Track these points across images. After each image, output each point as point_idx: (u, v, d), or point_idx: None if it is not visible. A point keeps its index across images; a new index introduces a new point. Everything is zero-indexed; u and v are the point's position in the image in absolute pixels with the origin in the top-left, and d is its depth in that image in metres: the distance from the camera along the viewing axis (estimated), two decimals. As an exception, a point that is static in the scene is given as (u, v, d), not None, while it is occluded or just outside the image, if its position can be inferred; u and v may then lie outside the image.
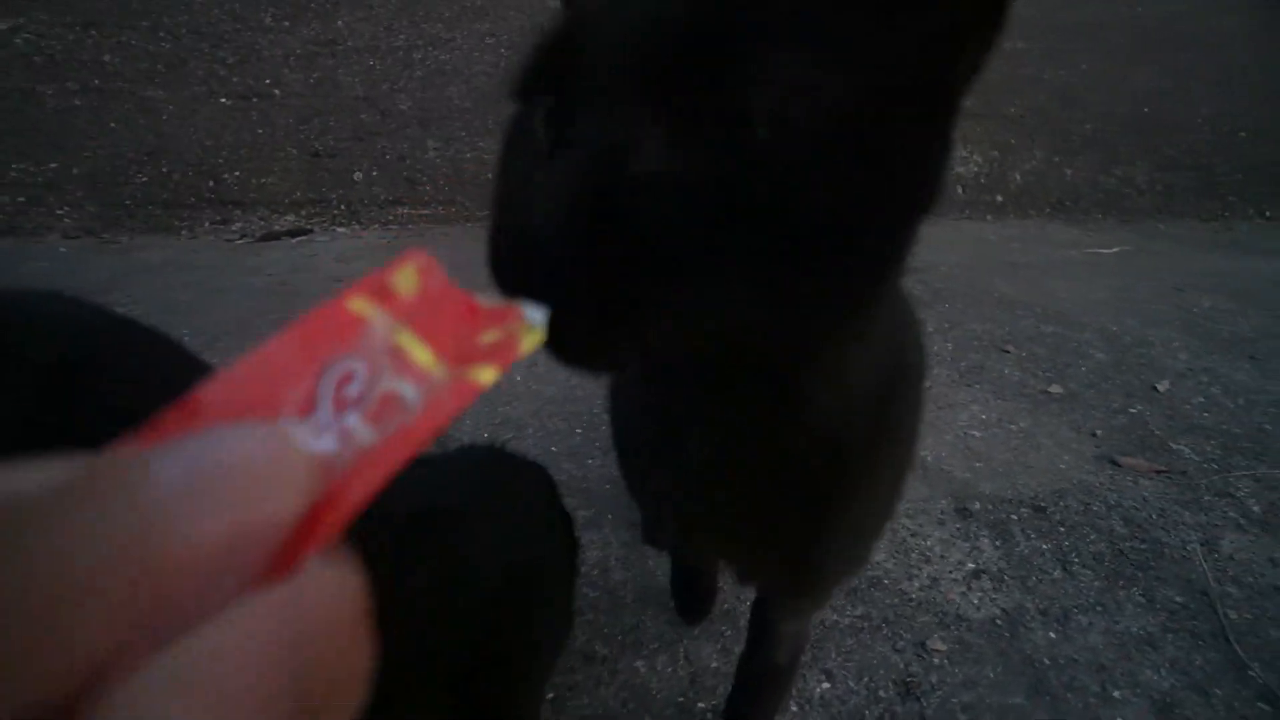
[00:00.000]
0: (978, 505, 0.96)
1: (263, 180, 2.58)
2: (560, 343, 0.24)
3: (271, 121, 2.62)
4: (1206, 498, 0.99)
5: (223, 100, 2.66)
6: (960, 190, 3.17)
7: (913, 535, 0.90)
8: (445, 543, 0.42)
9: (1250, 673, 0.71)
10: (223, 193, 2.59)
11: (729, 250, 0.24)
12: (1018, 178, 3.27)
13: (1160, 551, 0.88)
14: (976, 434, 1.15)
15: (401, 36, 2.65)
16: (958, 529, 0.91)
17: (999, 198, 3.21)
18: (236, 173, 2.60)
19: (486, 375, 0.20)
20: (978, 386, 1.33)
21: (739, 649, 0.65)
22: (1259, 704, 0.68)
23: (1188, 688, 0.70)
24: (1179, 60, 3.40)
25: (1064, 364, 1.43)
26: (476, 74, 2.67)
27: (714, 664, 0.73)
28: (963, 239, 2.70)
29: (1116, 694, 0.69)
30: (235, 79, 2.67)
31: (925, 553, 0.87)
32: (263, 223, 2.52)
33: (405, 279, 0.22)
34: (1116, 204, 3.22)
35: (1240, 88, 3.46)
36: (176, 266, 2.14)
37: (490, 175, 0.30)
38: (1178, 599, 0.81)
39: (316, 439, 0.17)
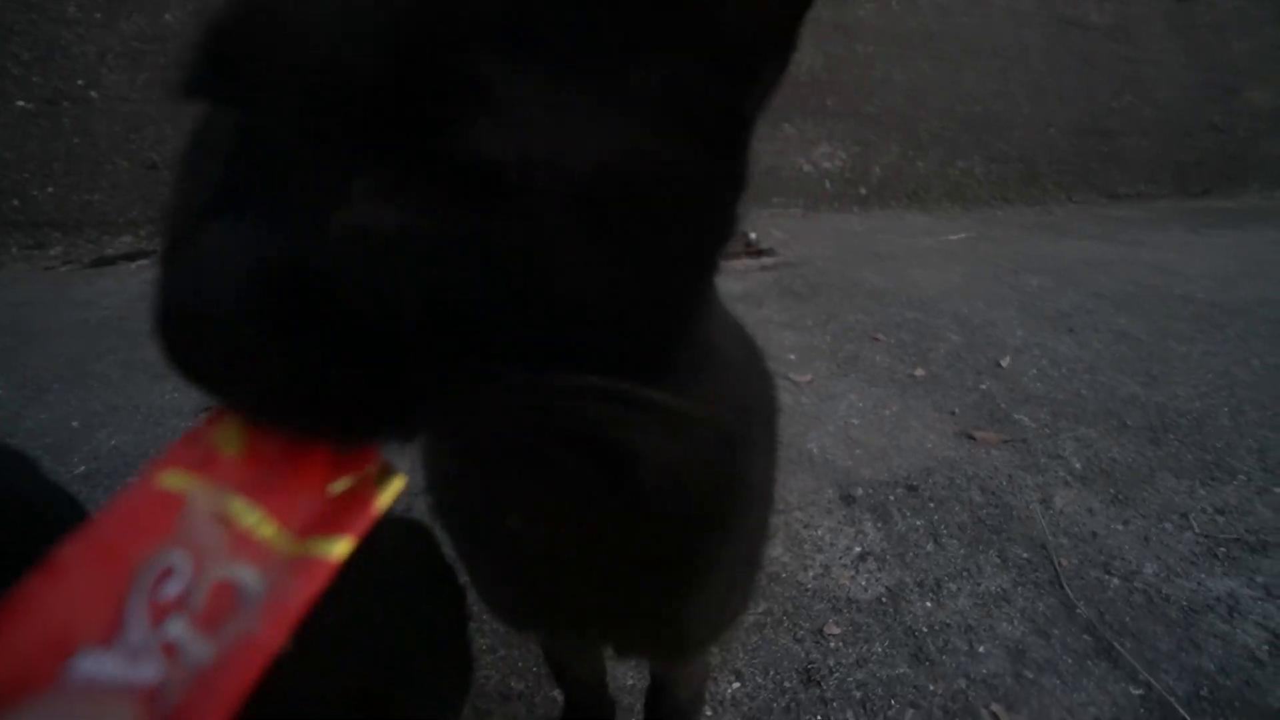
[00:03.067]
0: (860, 491, 1.05)
1: (87, 197, 2.25)
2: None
3: (90, 129, 2.28)
4: (1042, 460, 1.15)
5: (20, 103, 2.28)
6: (828, 185, 3.41)
7: (805, 527, 0.97)
8: (303, 642, 0.38)
9: (1078, 610, 0.84)
10: (33, 212, 2.23)
11: (473, 327, 0.19)
12: (877, 171, 3.58)
13: (1010, 514, 1.01)
14: (855, 422, 1.25)
15: (246, 33, 2.40)
16: (844, 515, 0.99)
17: (862, 190, 3.49)
18: (50, 189, 2.24)
19: (338, 547, 0.18)
20: (854, 375, 1.44)
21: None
22: (1084, 636, 0.80)
23: (1033, 633, 0.81)
24: (993, 66, 3.87)
25: (925, 348, 1.59)
26: (339, 75, 2.48)
27: (630, 681, 0.74)
28: (833, 231, 2.91)
29: (981, 649, 0.78)
30: (35, 78, 2.30)
31: (817, 542, 0.94)
32: (91, 246, 2.20)
33: (227, 434, 0.19)
34: (960, 193, 3.62)
35: (1045, 91, 4.00)
36: (-22, 304, 1.82)
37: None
38: (1024, 555, 0.93)
39: (131, 667, 0.14)
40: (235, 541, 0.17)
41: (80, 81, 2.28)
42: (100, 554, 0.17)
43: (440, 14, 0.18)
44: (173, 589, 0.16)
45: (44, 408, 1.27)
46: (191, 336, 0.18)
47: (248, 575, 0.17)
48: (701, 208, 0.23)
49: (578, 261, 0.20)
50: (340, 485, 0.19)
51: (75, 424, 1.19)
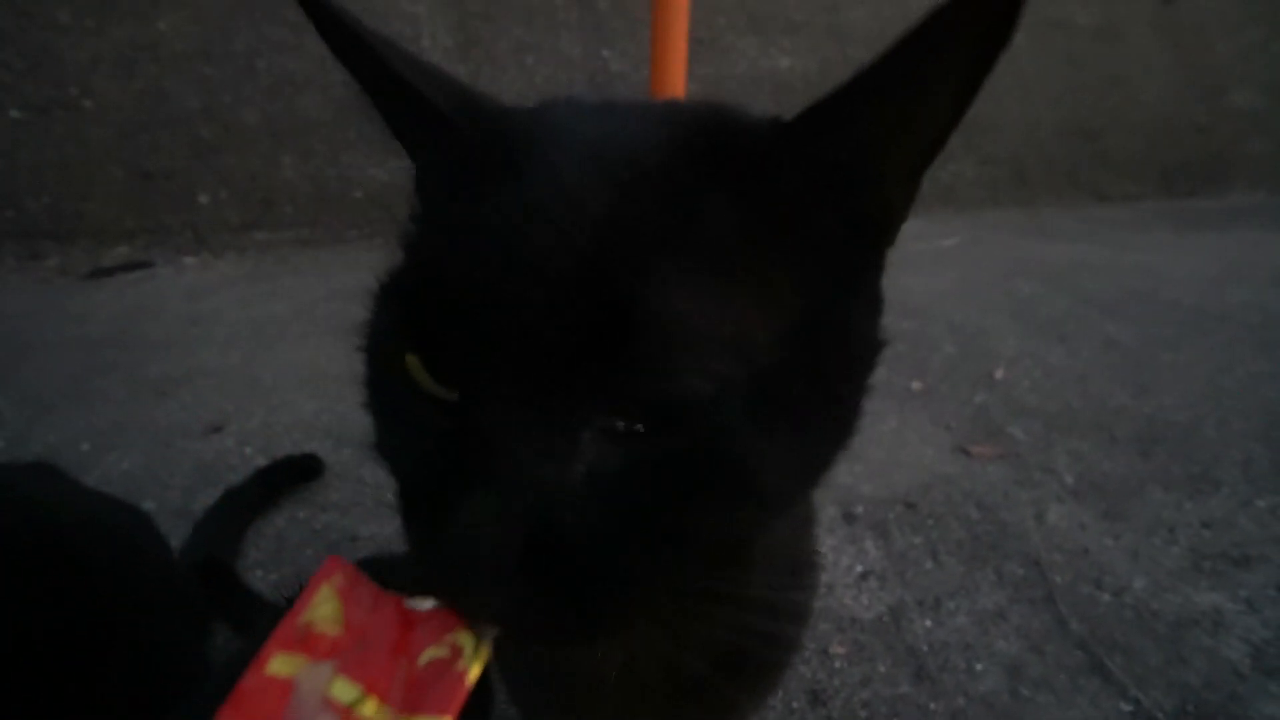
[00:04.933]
0: (860, 509, 1.08)
1: (81, 206, 2.23)
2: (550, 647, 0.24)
3: (84, 137, 2.26)
4: (1036, 475, 1.19)
5: (12, 112, 2.26)
6: (824, 188, 3.43)
7: (809, 545, 0.99)
8: None
9: (1070, 627, 0.87)
10: (27, 222, 2.21)
11: (688, 522, 0.22)
12: (871, 174, 3.59)
13: (1005, 530, 1.04)
14: (855, 437, 1.28)
15: (240, 41, 2.38)
16: (845, 534, 1.02)
17: (857, 193, 3.51)
18: (44, 198, 2.22)
19: None
20: (853, 388, 1.47)
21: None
22: (1076, 652, 0.84)
23: (1028, 650, 0.84)
24: (989, 67, 3.91)
25: (921, 359, 1.63)
26: (331, 83, 2.47)
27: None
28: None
29: (979, 667, 0.82)
30: (27, 86, 2.27)
31: (820, 562, 0.97)
32: (87, 256, 2.19)
33: (324, 609, 0.21)
34: (952, 196, 3.65)
35: (1033, 92, 4.04)
36: (-26, 318, 1.80)
37: (363, 345, 0.27)
38: (1019, 571, 0.96)
39: None
40: None
41: (73, 89, 2.26)
42: None
43: (611, 260, 0.21)
44: None
45: (50, 428, 1.27)
46: (465, 596, 0.21)
47: None
48: (849, 342, 0.26)
49: (766, 445, 0.22)
50: (430, 654, 0.21)
51: (85, 446, 1.20)
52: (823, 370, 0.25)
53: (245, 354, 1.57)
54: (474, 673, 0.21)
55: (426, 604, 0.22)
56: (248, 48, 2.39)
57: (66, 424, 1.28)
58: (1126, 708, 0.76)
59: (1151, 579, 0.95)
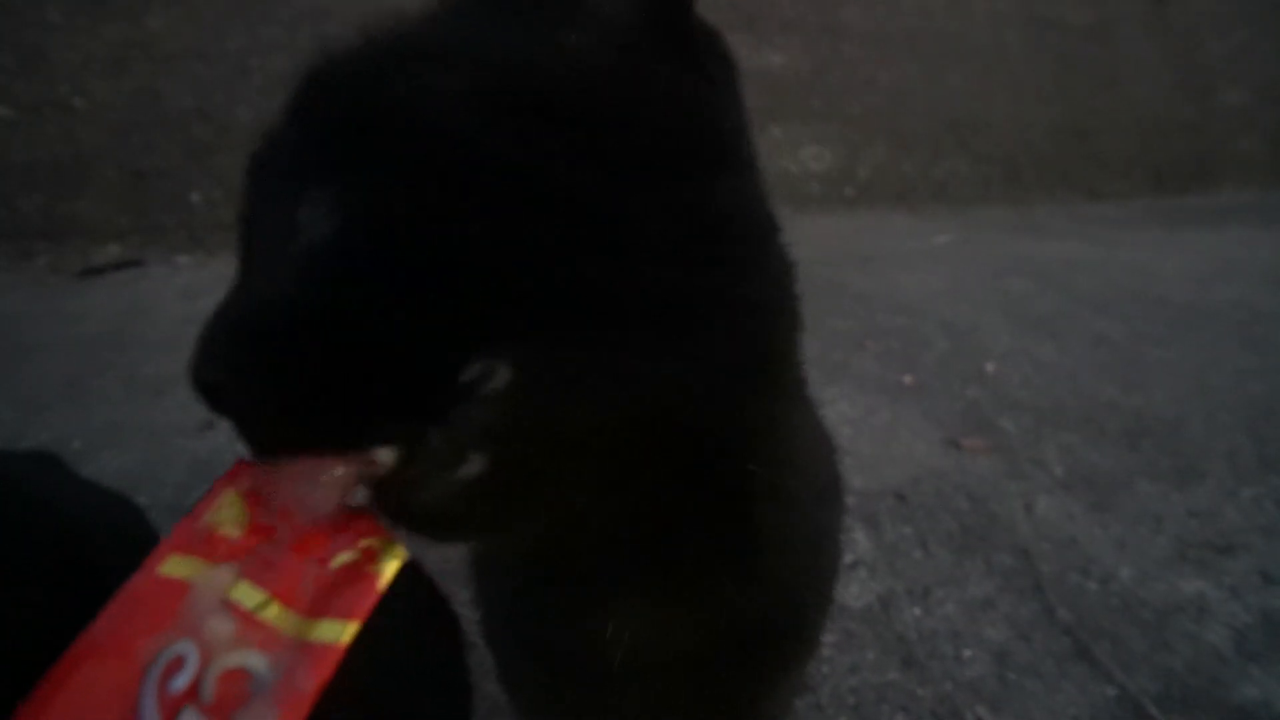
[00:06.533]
0: (851, 500, 1.08)
1: (73, 206, 2.23)
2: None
3: (76, 137, 2.26)
4: (1026, 467, 1.20)
5: (3, 112, 2.25)
6: (815, 186, 3.45)
7: (801, 537, 1.01)
8: None
9: (1058, 614, 0.88)
10: (19, 222, 2.20)
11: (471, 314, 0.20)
12: (864, 172, 3.62)
13: (995, 521, 1.06)
14: (847, 430, 1.30)
15: (233, 41, 2.38)
16: (837, 525, 1.03)
17: (849, 191, 3.54)
18: (36, 198, 2.22)
19: (346, 632, 0.18)
20: (844, 383, 1.49)
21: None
22: (1063, 638, 0.85)
23: (1016, 637, 0.85)
24: (975, 67, 3.93)
25: (913, 355, 1.64)
26: (328, 81, 2.48)
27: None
28: (820, 233, 2.95)
29: (967, 653, 0.83)
30: (18, 86, 2.27)
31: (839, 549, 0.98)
32: (78, 256, 2.18)
33: (228, 512, 0.20)
34: (945, 194, 3.68)
35: (1026, 91, 4.07)
36: (-34, 318, 1.80)
37: None
38: (1008, 561, 0.98)
39: None
40: (242, 627, 0.18)
41: (65, 89, 2.26)
42: (108, 652, 0.17)
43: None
44: (182, 680, 0.16)
45: (44, 427, 1.27)
46: (200, 385, 0.20)
47: (256, 662, 0.17)
48: (677, 114, 0.24)
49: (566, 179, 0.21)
50: (341, 559, 0.20)
51: (80, 444, 1.20)
52: (637, 124, 0.23)
53: (240, 352, 1.58)
54: (385, 577, 0.20)
55: (342, 509, 0.21)
56: (241, 47, 2.39)
57: (62, 423, 1.28)
58: (1112, 692, 0.77)
59: (1138, 568, 0.96)
